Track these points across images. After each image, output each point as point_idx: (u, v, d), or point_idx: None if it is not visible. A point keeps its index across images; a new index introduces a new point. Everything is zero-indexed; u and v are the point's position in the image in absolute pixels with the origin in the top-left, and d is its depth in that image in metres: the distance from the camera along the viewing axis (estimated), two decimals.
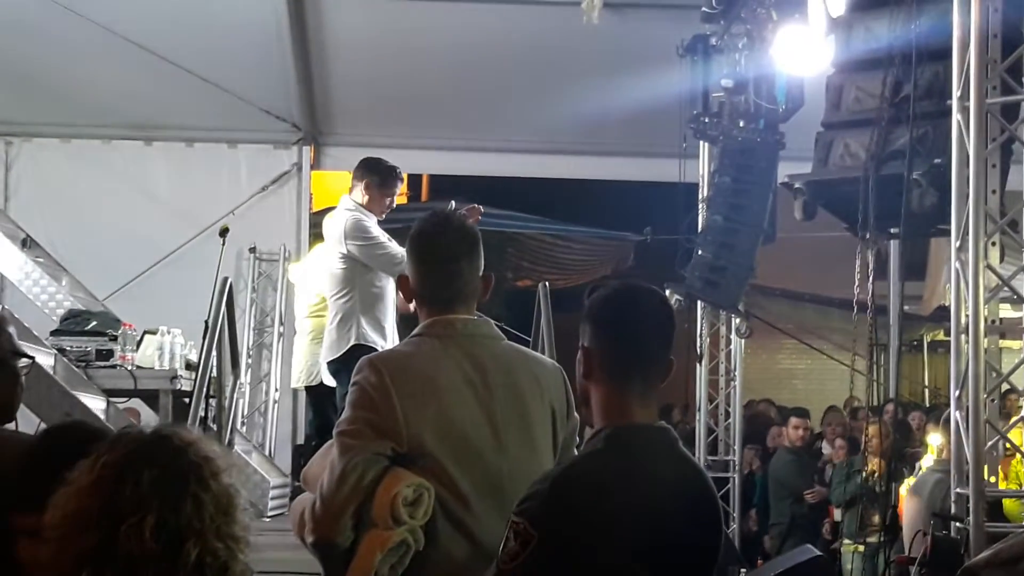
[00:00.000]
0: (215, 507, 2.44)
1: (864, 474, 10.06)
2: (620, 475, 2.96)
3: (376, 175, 8.16)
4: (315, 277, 9.36)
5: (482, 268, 3.79)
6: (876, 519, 9.87)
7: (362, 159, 8.38)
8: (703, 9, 10.62)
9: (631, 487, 2.96)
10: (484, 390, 3.60)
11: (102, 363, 8.39)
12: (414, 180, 18.49)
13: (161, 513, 2.39)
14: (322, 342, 9.14)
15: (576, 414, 3.72)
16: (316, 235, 12.77)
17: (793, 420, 12.15)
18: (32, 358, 3.96)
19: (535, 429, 3.64)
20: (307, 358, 9.34)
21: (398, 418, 3.47)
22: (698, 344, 11.83)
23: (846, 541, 10.74)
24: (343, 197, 8.28)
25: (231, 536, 2.46)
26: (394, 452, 3.47)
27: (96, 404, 7.93)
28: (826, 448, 12.26)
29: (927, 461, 9.34)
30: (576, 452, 3.69)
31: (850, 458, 11.09)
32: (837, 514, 11.13)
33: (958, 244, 6.41)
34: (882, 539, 9.33)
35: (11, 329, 3.76)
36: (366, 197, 8.09)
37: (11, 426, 3.77)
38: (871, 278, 8.38)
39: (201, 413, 7.90)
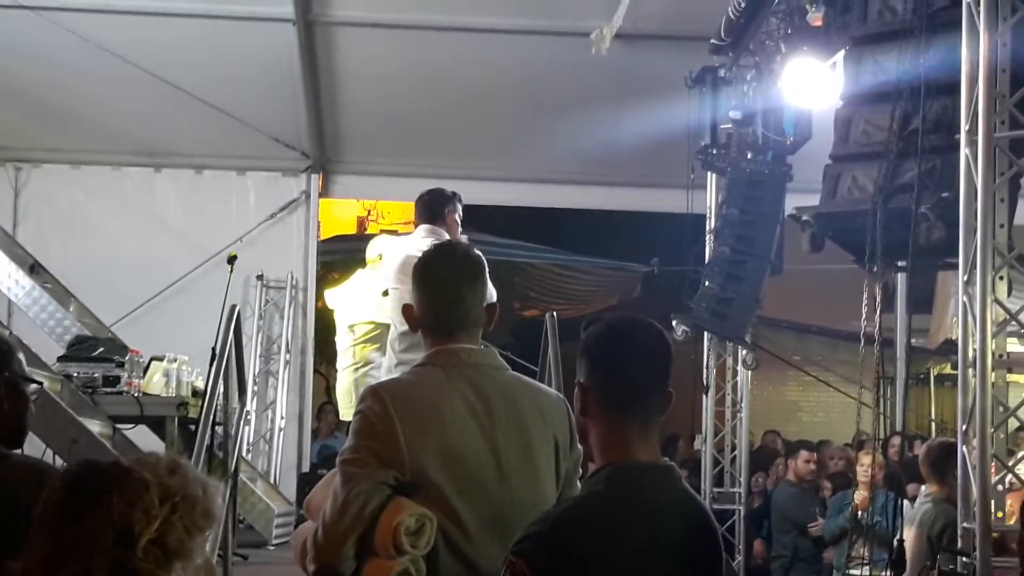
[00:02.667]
0: (116, 535, 2.42)
1: (851, 508, 10.06)
2: (622, 519, 2.93)
3: (456, 202, 8.20)
4: (361, 305, 9.36)
5: (488, 297, 3.79)
6: (864, 552, 9.81)
7: (434, 191, 8.34)
8: (712, 41, 10.64)
9: (633, 532, 2.92)
10: (487, 420, 3.59)
11: (109, 389, 8.41)
12: None
13: (51, 538, 2.42)
14: (369, 371, 9.15)
15: (580, 446, 3.71)
16: (324, 263, 12.87)
17: (803, 453, 12.10)
18: (41, 383, 3.98)
19: (538, 459, 3.63)
20: (353, 388, 9.34)
21: (401, 447, 3.47)
22: (704, 375, 11.81)
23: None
24: (425, 228, 8.15)
25: (133, 569, 2.43)
26: (397, 481, 3.46)
27: (102, 430, 7.94)
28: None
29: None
30: (579, 485, 3.68)
31: (842, 492, 11.07)
32: None
33: (966, 278, 6.39)
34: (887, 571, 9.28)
35: (20, 355, 3.78)
36: (452, 226, 8.11)
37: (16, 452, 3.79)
38: (878, 311, 8.37)
39: (207, 440, 7.89)
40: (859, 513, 10.03)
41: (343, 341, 9.53)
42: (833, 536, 10.90)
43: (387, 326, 9.19)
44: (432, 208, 8.16)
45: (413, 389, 3.66)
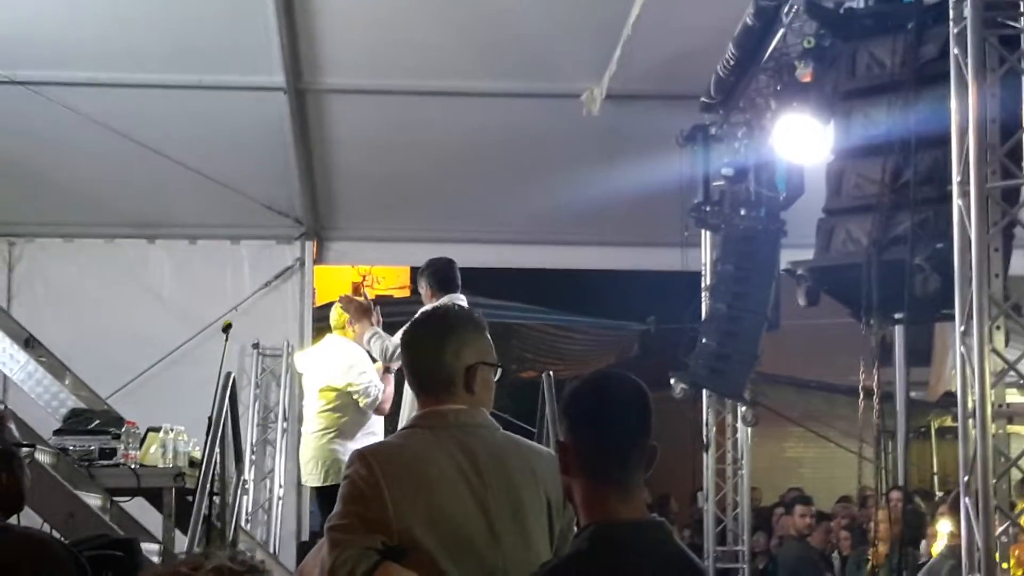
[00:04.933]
0: None
1: (871, 563, 10.00)
2: None
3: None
4: (331, 371, 9.32)
5: (468, 358, 3.74)
6: None
7: (439, 261, 8.50)
8: (702, 99, 10.68)
9: None
10: (477, 481, 3.56)
11: (105, 462, 8.34)
12: (416, 273, 18.54)
13: None
14: (334, 438, 9.13)
15: None
16: (319, 329, 12.84)
17: (799, 508, 12.04)
18: (33, 446, 3.99)
19: (530, 520, 3.60)
20: (320, 454, 9.29)
21: (388, 511, 3.44)
22: (704, 433, 11.76)
23: None
24: (448, 297, 8.21)
25: None
26: (384, 546, 3.42)
27: (99, 503, 7.88)
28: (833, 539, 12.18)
29: (937, 547, 9.25)
30: None
31: (860, 548, 11.02)
32: None
33: (963, 329, 6.39)
34: None
35: (11, 424, 3.80)
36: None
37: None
38: (876, 364, 8.35)
39: (204, 511, 7.84)
40: (876, 570, 9.99)
41: (311, 407, 9.48)
42: None
43: (350, 394, 9.20)
44: (452, 276, 8.29)
45: (400, 452, 3.64)
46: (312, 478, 9.39)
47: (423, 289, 8.44)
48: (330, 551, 3.44)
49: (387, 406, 9.34)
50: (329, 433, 9.24)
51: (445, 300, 8.01)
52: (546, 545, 3.62)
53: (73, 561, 3.68)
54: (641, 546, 2.96)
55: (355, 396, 9.18)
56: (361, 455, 3.62)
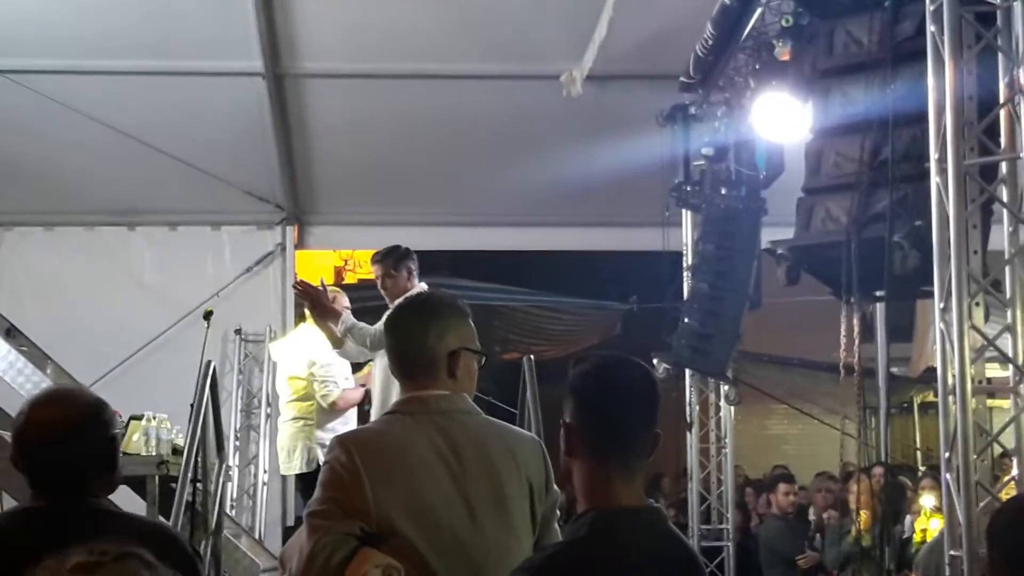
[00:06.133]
0: None
1: (852, 534, 10.05)
2: (605, 566, 2.87)
3: None
4: (298, 360, 9.33)
5: (451, 343, 3.74)
6: None
7: (401, 248, 8.43)
8: (681, 79, 10.67)
9: None
10: (458, 467, 3.56)
11: None
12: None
13: None
14: (304, 425, 9.15)
15: (556, 488, 3.68)
16: (303, 315, 12.83)
17: (782, 487, 12.07)
18: None
19: (510, 505, 3.60)
20: (293, 442, 9.30)
21: (367, 497, 3.44)
22: (688, 412, 11.78)
23: None
24: (424, 284, 8.22)
25: None
26: (363, 532, 3.42)
27: None
28: (813, 514, 12.20)
29: (933, 523, 9.27)
30: (558, 528, 3.64)
31: (842, 520, 11.06)
32: None
33: (942, 305, 6.39)
34: None
35: None
36: None
37: None
38: (857, 341, 8.36)
39: (188, 498, 7.83)
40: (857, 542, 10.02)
41: (283, 395, 9.52)
42: (835, 564, 10.88)
43: (319, 382, 9.22)
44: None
45: (380, 438, 3.63)
46: (287, 466, 9.43)
47: (399, 274, 8.29)
48: (308, 537, 3.44)
49: (343, 407, 9.33)
50: (299, 421, 9.29)
51: (422, 286, 8.05)
52: (527, 530, 3.61)
53: (190, 548, 3.71)
54: (640, 533, 2.95)
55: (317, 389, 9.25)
56: (341, 441, 3.62)
